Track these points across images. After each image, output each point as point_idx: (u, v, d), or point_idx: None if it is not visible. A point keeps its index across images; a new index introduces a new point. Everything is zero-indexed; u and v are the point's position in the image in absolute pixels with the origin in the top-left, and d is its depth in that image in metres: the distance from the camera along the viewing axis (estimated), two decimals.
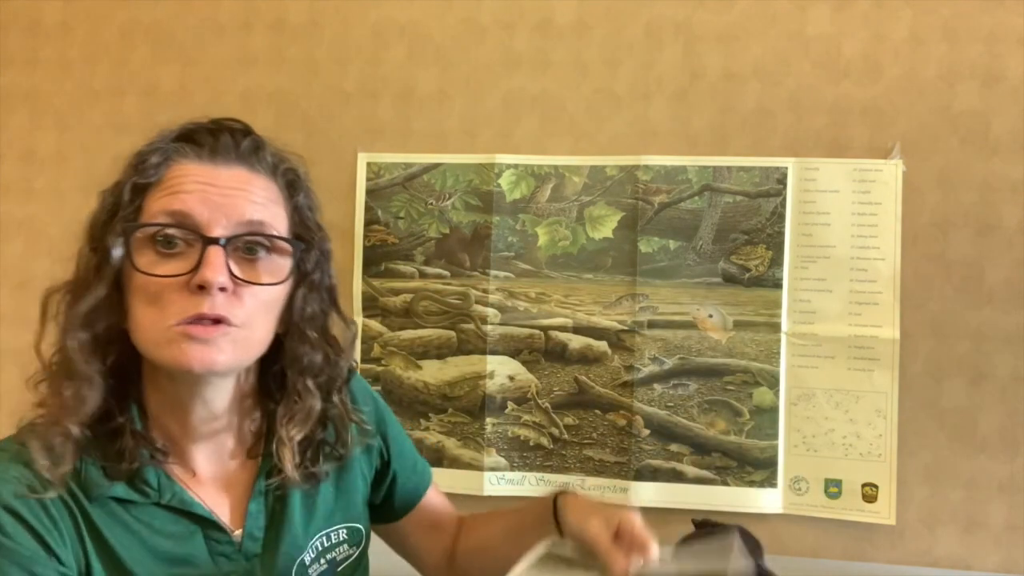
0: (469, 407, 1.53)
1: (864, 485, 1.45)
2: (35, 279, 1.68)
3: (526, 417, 1.53)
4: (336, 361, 0.91)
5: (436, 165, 1.57)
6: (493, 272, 1.54)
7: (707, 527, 1.08)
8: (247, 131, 0.87)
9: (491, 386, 1.53)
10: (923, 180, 1.47)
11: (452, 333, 1.54)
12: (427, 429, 1.54)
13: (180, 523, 0.83)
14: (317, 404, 0.89)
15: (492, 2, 1.58)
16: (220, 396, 0.85)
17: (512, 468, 1.53)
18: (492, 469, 1.53)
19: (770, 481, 1.47)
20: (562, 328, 1.52)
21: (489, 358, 1.53)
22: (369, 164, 1.58)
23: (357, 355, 1.52)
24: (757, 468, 1.47)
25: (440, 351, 1.54)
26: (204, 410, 0.84)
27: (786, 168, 1.48)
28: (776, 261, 1.48)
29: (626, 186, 1.52)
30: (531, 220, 1.54)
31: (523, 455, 1.53)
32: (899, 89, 1.48)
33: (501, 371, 1.53)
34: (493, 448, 1.53)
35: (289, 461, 0.87)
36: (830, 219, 1.47)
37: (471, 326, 1.54)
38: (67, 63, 1.68)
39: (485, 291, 1.54)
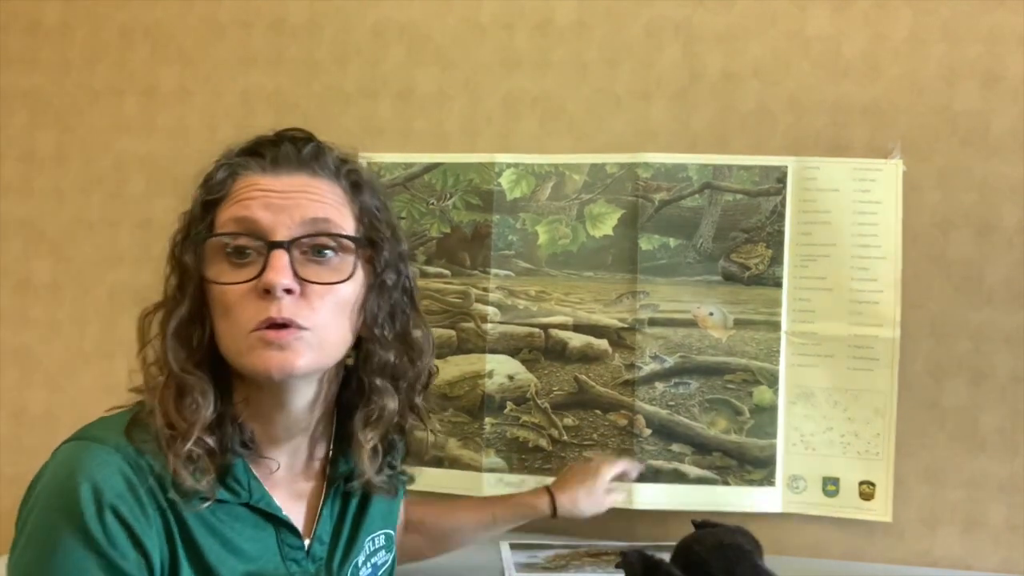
0: (469, 407, 1.53)
1: (861, 483, 1.45)
2: (35, 279, 1.68)
3: (525, 418, 1.53)
4: (415, 363, 0.91)
5: (436, 165, 1.57)
6: (493, 271, 1.54)
7: (707, 527, 1.08)
8: (309, 138, 0.88)
9: (490, 385, 1.52)
10: (923, 180, 1.47)
11: (452, 332, 1.54)
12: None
13: (259, 524, 0.85)
14: (392, 404, 0.88)
15: (492, 2, 1.58)
16: (301, 402, 0.85)
17: (511, 470, 1.52)
18: (491, 470, 1.52)
19: (768, 479, 1.47)
20: (562, 326, 1.52)
21: (488, 357, 1.52)
22: (369, 164, 1.58)
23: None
24: (756, 467, 1.47)
25: (440, 350, 1.53)
26: (286, 417, 0.86)
27: (786, 167, 1.48)
28: (776, 260, 1.48)
29: (626, 184, 1.52)
30: (531, 218, 1.54)
31: (522, 457, 1.53)
32: (899, 89, 1.48)
33: (500, 370, 1.53)
34: (492, 449, 1.53)
35: (367, 465, 0.88)
36: (830, 218, 1.47)
37: (471, 325, 1.53)
38: (67, 63, 1.68)
39: (485, 289, 1.54)
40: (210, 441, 0.79)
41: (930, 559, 1.46)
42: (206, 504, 0.79)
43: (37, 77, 1.69)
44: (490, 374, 1.52)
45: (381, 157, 1.58)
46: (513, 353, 1.53)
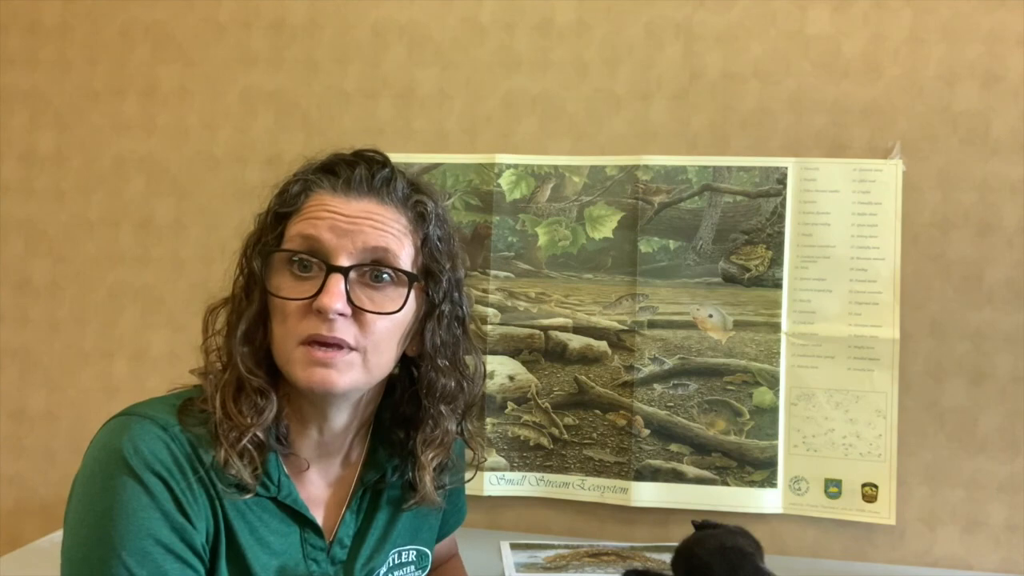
0: None
1: (864, 485, 1.45)
2: (35, 279, 1.68)
3: (526, 417, 1.53)
4: (469, 388, 0.95)
5: (436, 165, 1.57)
6: (493, 272, 1.54)
7: (707, 528, 1.08)
8: (384, 163, 0.90)
9: (491, 386, 1.53)
10: (923, 180, 1.47)
11: None
12: None
13: (285, 521, 0.88)
14: (453, 427, 0.94)
15: (492, 2, 1.58)
16: (340, 416, 0.90)
17: (512, 468, 1.53)
18: (492, 469, 1.53)
19: (770, 481, 1.47)
20: (562, 328, 1.52)
21: (489, 358, 1.53)
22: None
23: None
24: (757, 468, 1.47)
25: None
26: (324, 426, 0.90)
27: (786, 168, 1.48)
28: (776, 261, 1.48)
29: (626, 186, 1.52)
30: (531, 220, 1.54)
31: (523, 455, 1.53)
32: (899, 89, 1.48)
33: (501, 371, 1.53)
34: (493, 448, 1.53)
35: (430, 483, 0.93)
36: (830, 219, 1.47)
37: (471, 326, 1.53)
38: (67, 63, 1.68)
39: (485, 291, 1.54)
40: (260, 435, 0.83)
41: (930, 559, 1.46)
42: (247, 495, 0.83)
43: (37, 77, 1.69)
44: (491, 375, 1.52)
45: None
46: (513, 354, 1.53)
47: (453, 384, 0.92)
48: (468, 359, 0.95)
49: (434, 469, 0.93)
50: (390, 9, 1.60)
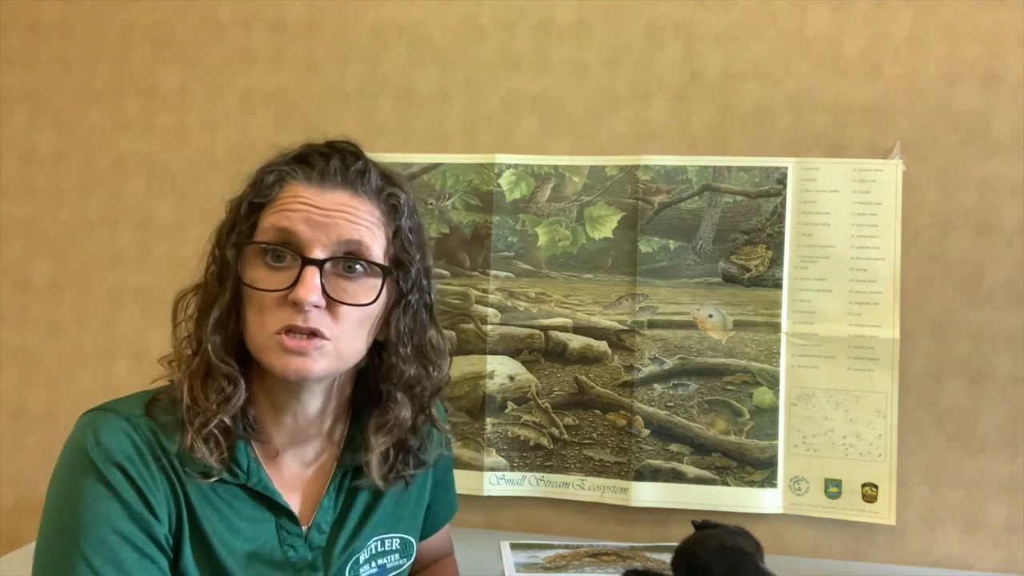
0: (469, 407, 1.53)
1: (864, 485, 1.45)
2: (35, 279, 1.68)
3: (526, 417, 1.53)
4: (430, 374, 0.95)
5: (436, 165, 1.57)
6: (493, 272, 1.54)
7: (707, 528, 1.08)
8: (358, 155, 0.91)
9: (491, 386, 1.53)
10: (923, 180, 1.47)
11: (452, 333, 1.54)
12: None
13: (257, 508, 0.89)
14: (407, 414, 0.94)
15: (492, 2, 1.58)
16: (313, 401, 0.91)
17: (512, 468, 1.53)
18: (492, 469, 1.53)
19: (770, 481, 1.47)
20: (562, 328, 1.52)
21: (489, 358, 1.53)
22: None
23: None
24: (757, 468, 1.47)
25: None
26: (298, 411, 0.91)
27: (786, 168, 1.48)
28: (776, 261, 1.48)
29: (626, 186, 1.52)
30: (531, 220, 1.54)
31: (523, 455, 1.53)
32: (899, 89, 1.48)
33: (501, 371, 1.53)
34: (493, 448, 1.53)
35: (375, 468, 0.93)
36: (830, 219, 1.47)
37: (471, 326, 1.54)
38: (67, 63, 1.68)
39: (485, 291, 1.54)
40: (227, 422, 0.85)
41: (930, 559, 1.46)
42: (211, 480, 0.84)
43: (37, 77, 1.69)
44: (491, 375, 1.52)
45: (381, 157, 1.57)
46: (513, 354, 1.53)
47: (414, 371, 0.93)
48: (434, 344, 0.96)
49: (383, 454, 0.93)
50: (390, 9, 1.60)
